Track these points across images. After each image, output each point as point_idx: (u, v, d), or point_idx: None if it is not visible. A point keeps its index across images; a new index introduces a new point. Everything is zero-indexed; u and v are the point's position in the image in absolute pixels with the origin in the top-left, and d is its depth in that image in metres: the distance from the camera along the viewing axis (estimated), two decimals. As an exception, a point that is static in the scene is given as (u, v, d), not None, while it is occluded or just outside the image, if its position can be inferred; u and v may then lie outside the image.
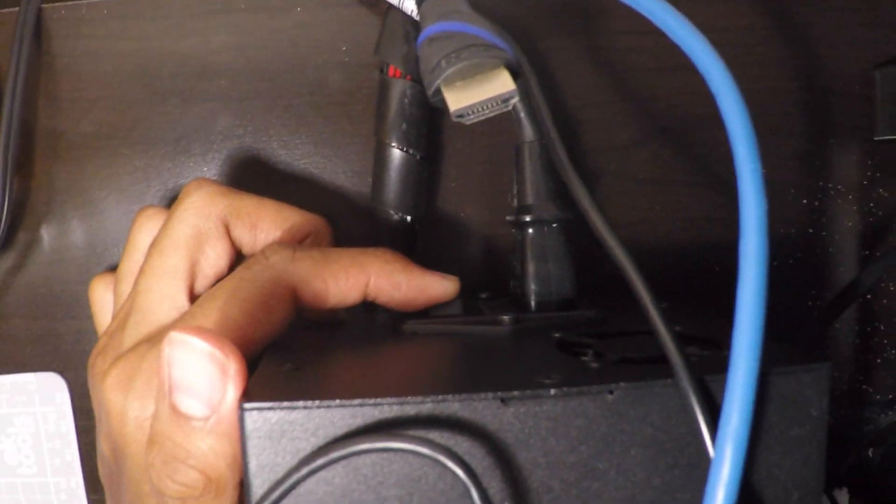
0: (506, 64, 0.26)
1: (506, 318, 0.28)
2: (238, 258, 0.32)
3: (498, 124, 0.36)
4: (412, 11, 0.33)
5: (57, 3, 0.38)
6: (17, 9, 0.37)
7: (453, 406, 0.20)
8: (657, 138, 0.38)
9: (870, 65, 0.37)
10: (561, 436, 0.21)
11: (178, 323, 0.28)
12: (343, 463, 0.20)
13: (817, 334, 0.38)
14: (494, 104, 0.25)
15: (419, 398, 0.20)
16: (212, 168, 0.39)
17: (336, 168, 0.39)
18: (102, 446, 0.30)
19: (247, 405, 0.20)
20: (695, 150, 0.38)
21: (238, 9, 0.38)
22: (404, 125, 0.35)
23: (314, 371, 0.24)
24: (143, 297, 0.29)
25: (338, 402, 0.20)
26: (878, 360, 0.39)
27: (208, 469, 0.23)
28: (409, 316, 0.30)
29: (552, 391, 0.21)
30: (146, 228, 0.32)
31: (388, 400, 0.20)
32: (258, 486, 0.21)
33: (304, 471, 0.20)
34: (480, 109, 0.25)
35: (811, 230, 0.38)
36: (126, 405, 0.27)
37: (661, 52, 0.37)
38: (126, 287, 0.31)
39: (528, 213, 0.30)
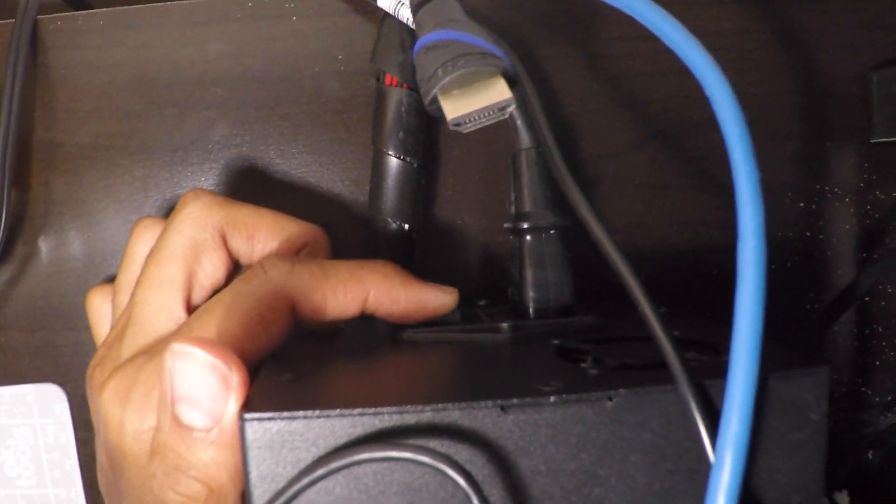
0: (502, 72, 0.26)
1: (504, 325, 0.28)
2: (235, 268, 0.32)
3: (494, 132, 0.36)
4: (408, 20, 0.33)
5: (53, 15, 0.38)
6: (13, 20, 0.37)
7: (453, 414, 0.20)
8: (653, 143, 0.38)
9: (866, 67, 0.37)
10: (561, 443, 0.21)
11: (175, 335, 0.28)
12: (344, 472, 0.20)
13: (816, 337, 0.38)
14: (491, 112, 0.25)
15: (419, 407, 0.20)
16: (209, 177, 0.39)
17: (333, 176, 0.39)
18: (101, 458, 0.30)
19: (247, 415, 0.20)
20: (691, 154, 0.38)
21: (234, 18, 0.38)
22: (401, 133, 0.35)
23: (313, 381, 0.24)
24: (139, 307, 0.29)
25: (338, 411, 0.20)
26: (877, 363, 0.39)
27: (210, 480, 0.23)
28: (407, 324, 0.30)
29: (552, 398, 0.21)
30: (143, 239, 0.32)
31: (388, 409, 0.20)
32: (259, 497, 0.20)
33: (305, 481, 0.20)
34: (477, 118, 0.25)
35: (808, 233, 0.38)
36: (123, 417, 0.27)
37: (656, 57, 0.37)
38: (124, 298, 0.31)
39: (525, 220, 0.30)
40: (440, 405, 0.20)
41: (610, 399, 0.21)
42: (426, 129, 0.36)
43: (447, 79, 0.25)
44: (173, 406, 0.23)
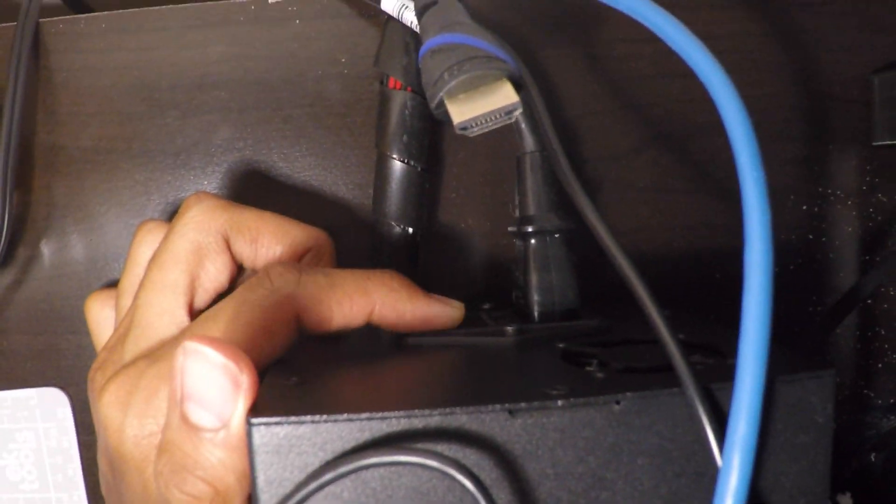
0: (508, 76, 0.26)
1: (509, 329, 0.28)
2: (239, 272, 0.32)
3: (499, 136, 0.36)
4: (412, 23, 0.33)
5: (55, 18, 0.38)
6: (15, 23, 0.37)
7: (461, 418, 0.20)
8: (656, 146, 0.38)
9: (868, 70, 0.37)
10: (568, 446, 0.21)
11: (180, 338, 0.28)
12: (352, 477, 0.20)
13: (819, 340, 0.38)
14: (498, 116, 0.25)
15: (426, 411, 0.20)
16: (212, 181, 0.39)
17: (337, 180, 0.39)
18: (101, 462, 0.30)
19: (254, 420, 0.20)
20: (695, 157, 0.38)
21: (237, 21, 0.38)
22: (405, 137, 0.35)
23: (319, 385, 0.24)
24: (142, 311, 0.29)
25: (345, 416, 0.20)
26: (880, 365, 0.39)
27: (217, 481, 0.23)
28: None
29: (559, 402, 0.21)
30: (146, 242, 0.32)
31: (396, 413, 0.20)
32: (266, 501, 0.20)
33: (313, 485, 0.20)
34: (484, 122, 0.25)
35: (811, 236, 0.38)
36: (124, 422, 0.27)
37: (660, 59, 0.37)
38: (127, 301, 0.31)
39: (530, 223, 0.30)
40: (448, 409, 0.20)
41: (617, 402, 0.21)
42: (430, 132, 0.36)
43: (453, 83, 0.25)
44: (182, 404, 0.23)
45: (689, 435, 0.21)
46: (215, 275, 0.30)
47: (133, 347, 0.29)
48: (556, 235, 0.30)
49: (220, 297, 0.29)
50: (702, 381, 0.21)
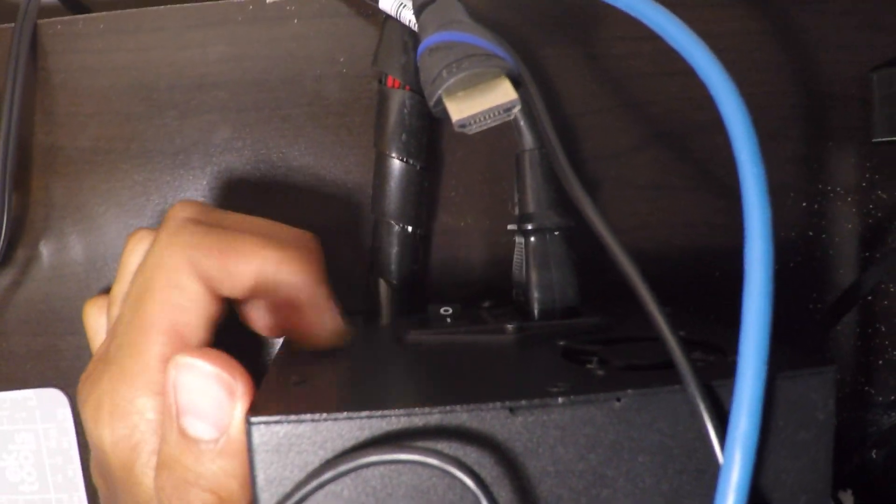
0: (507, 73, 0.25)
1: (510, 326, 0.28)
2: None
3: (498, 133, 0.36)
4: (410, 21, 0.33)
5: (53, 18, 0.38)
6: (13, 24, 0.37)
7: (461, 416, 0.20)
8: (655, 144, 0.38)
9: (866, 67, 0.37)
10: (569, 444, 0.21)
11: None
12: (352, 476, 0.20)
13: (819, 337, 0.38)
14: (497, 114, 0.25)
15: (427, 409, 0.20)
16: (211, 181, 0.39)
17: (336, 179, 0.38)
18: (95, 477, 0.30)
19: (254, 419, 0.20)
20: (695, 155, 0.38)
21: (235, 20, 0.38)
22: (404, 136, 0.35)
23: (320, 384, 0.24)
24: (120, 352, 0.27)
25: (345, 414, 0.20)
26: (880, 362, 0.39)
27: (220, 489, 0.23)
28: (412, 327, 0.30)
29: (560, 400, 0.21)
30: (137, 251, 0.31)
31: (396, 412, 0.20)
32: (266, 501, 0.20)
33: (313, 484, 0.20)
34: (483, 119, 0.25)
35: (811, 233, 0.38)
36: (101, 435, 0.26)
37: (659, 57, 0.37)
38: (117, 310, 0.31)
39: (529, 221, 0.30)
40: (448, 407, 0.20)
41: (618, 400, 0.21)
42: (429, 131, 0.36)
43: (452, 80, 0.25)
44: (179, 419, 0.23)
45: (690, 432, 0.21)
46: (191, 306, 0.27)
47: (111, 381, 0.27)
48: (556, 233, 0.30)
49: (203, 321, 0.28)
50: (703, 378, 0.21)
